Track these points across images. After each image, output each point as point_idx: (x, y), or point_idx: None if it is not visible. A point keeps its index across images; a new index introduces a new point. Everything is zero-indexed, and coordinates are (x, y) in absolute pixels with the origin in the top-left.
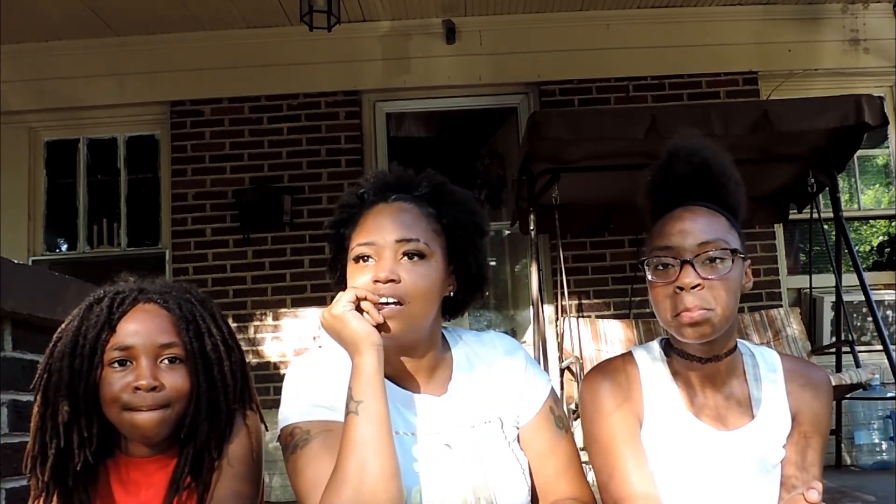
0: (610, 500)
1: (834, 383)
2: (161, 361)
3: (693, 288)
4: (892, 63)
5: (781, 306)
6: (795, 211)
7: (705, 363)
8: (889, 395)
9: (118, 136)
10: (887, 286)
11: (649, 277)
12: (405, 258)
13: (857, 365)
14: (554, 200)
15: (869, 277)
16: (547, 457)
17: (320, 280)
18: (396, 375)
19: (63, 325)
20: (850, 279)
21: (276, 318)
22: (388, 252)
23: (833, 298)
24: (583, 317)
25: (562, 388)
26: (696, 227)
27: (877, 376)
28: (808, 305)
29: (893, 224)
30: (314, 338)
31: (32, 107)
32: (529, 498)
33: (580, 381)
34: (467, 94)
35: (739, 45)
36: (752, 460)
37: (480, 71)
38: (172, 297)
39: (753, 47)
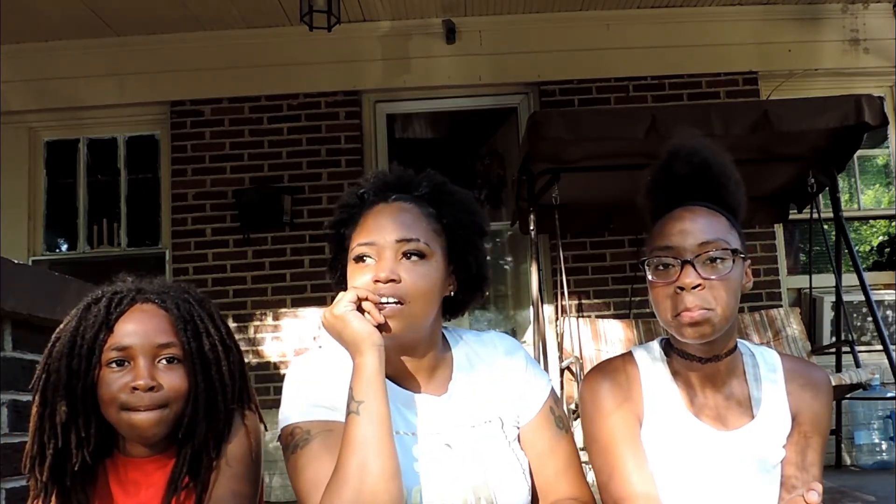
0: (610, 500)
1: (834, 383)
2: (159, 361)
3: (693, 288)
4: (892, 63)
5: (781, 306)
6: (795, 211)
7: (705, 363)
8: (889, 395)
9: (118, 136)
10: (887, 286)
11: (649, 277)
12: (405, 258)
13: (857, 365)
14: (554, 200)
15: (869, 277)
16: (547, 457)
17: (320, 280)
18: (397, 375)
19: (61, 326)
20: (850, 279)
21: (276, 318)
22: (388, 252)
23: (833, 298)
24: (583, 317)
25: (562, 388)
26: (697, 227)
27: (877, 376)
28: (808, 305)
29: (893, 224)
30: (314, 338)
31: (32, 107)
32: (530, 498)
33: (580, 381)
34: (467, 94)
35: (739, 45)
36: (752, 460)
37: (480, 71)
38: (170, 297)
39: (753, 47)
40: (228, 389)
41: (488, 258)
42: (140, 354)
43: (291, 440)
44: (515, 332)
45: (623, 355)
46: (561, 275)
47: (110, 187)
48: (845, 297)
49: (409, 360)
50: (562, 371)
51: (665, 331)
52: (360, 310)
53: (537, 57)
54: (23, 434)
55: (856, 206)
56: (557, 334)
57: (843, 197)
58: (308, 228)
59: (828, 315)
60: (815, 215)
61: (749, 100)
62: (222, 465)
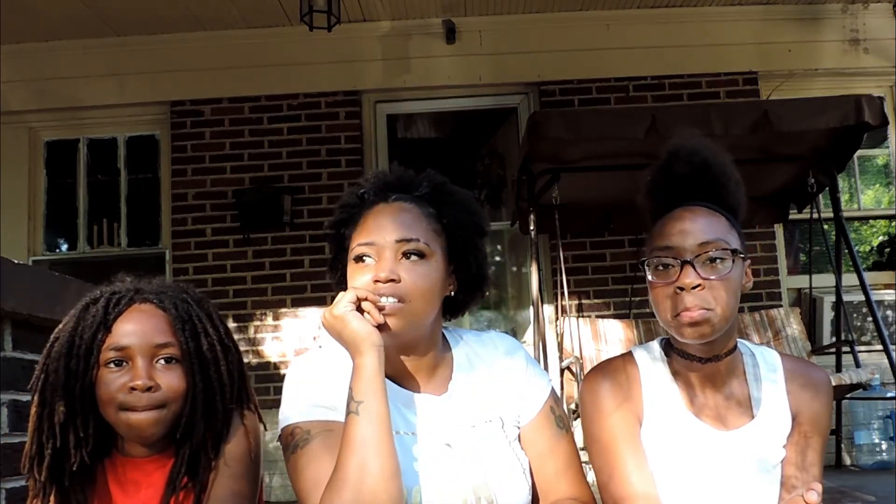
0: (610, 500)
1: (834, 383)
2: (157, 361)
3: (693, 288)
4: (892, 63)
5: (781, 306)
6: (795, 211)
7: (705, 363)
8: (889, 395)
9: (118, 136)
10: (887, 286)
11: (649, 278)
12: (405, 258)
13: (857, 365)
14: (554, 200)
15: (869, 277)
16: (547, 457)
17: (320, 280)
18: (397, 375)
19: (60, 326)
20: (850, 279)
21: (276, 318)
22: (388, 252)
23: (833, 298)
24: (583, 317)
25: (562, 388)
26: (697, 228)
27: (877, 376)
28: (808, 305)
29: (893, 224)
30: (314, 338)
31: (32, 107)
32: (530, 498)
33: (580, 381)
34: (467, 94)
35: (739, 45)
36: (752, 460)
37: (480, 71)
38: (168, 297)
39: (753, 47)
40: (227, 389)
41: (488, 258)
42: (138, 354)
43: (291, 440)
44: (515, 332)
45: (623, 355)
46: (561, 275)
47: (110, 187)
48: (845, 297)
49: (410, 359)
50: (562, 371)
51: (665, 331)
52: (360, 310)
53: (537, 57)
54: (23, 434)
55: (856, 206)
56: (557, 334)
57: (843, 197)
58: (308, 228)
59: (828, 315)
60: (815, 215)
61: (749, 100)
62: (221, 464)
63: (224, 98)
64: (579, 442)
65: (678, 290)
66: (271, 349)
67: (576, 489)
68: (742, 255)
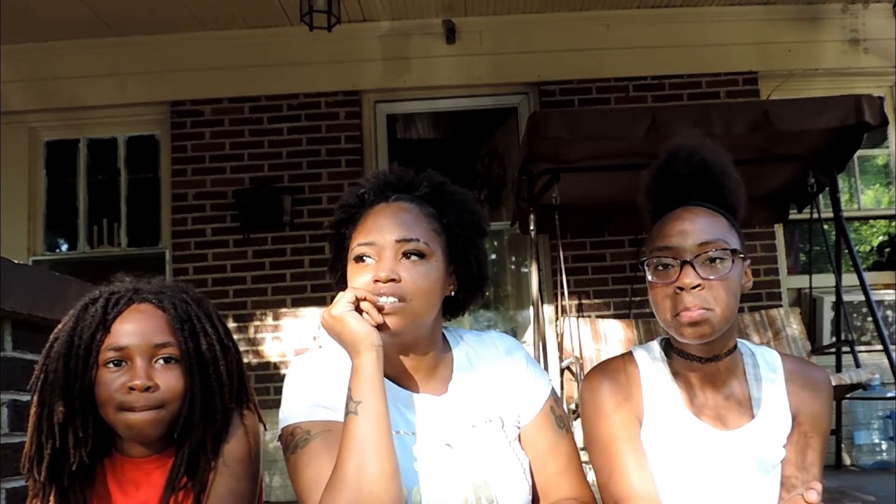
0: (610, 499)
1: (834, 383)
2: (156, 361)
3: (693, 288)
4: (892, 63)
5: (781, 306)
6: (795, 211)
7: (705, 363)
8: (889, 395)
9: (118, 136)
10: (887, 286)
11: (649, 278)
12: (405, 258)
13: (857, 365)
14: (554, 200)
15: (869, 277)
16: (548, 456)
17: (320, 280)
18: (397, 375)
19: (59, 326)
20: (850, 279)
21: (276, 318)
22: (388, 252)
23: (833, 298)
24: (583, 317)
25: (562, 388)
26: (696, 228)
27: (877, 376)
28: (808, 305)
29: (893, 224)
30: (314, 338)
31: (32, 107)
32: (530, 498)
33: (580, 381)
34: (467, 94)
35: (739, 45)
36: (752, 460)
37: (480, 71)
38: (167, 297)
39: (753, 47)
40: (226, 389)
41: (489, 258)
42: (137, 354)
43: (292, 440)
44: (515, 332)
45: (623, 355)
46: (561, 275)
47: (110, 187)
48: (845, 297)
49: (410, 359)
50: (562, 371)
51: (665, 331)
52: (359, 310)
53: (537, 57)
54: (23, 434)
55: (856, 206)
56: (557, 334)
57: (843, 197)
58: (308, 228)
59: (828, 315)
60: (815, 215)
61: (749, 100)
62: (221, 464)
63: (224, 98)
64: (579, 442)
65: (678, 290)
66: (271, 349)
67: (576, 489)
68: (742, 255)
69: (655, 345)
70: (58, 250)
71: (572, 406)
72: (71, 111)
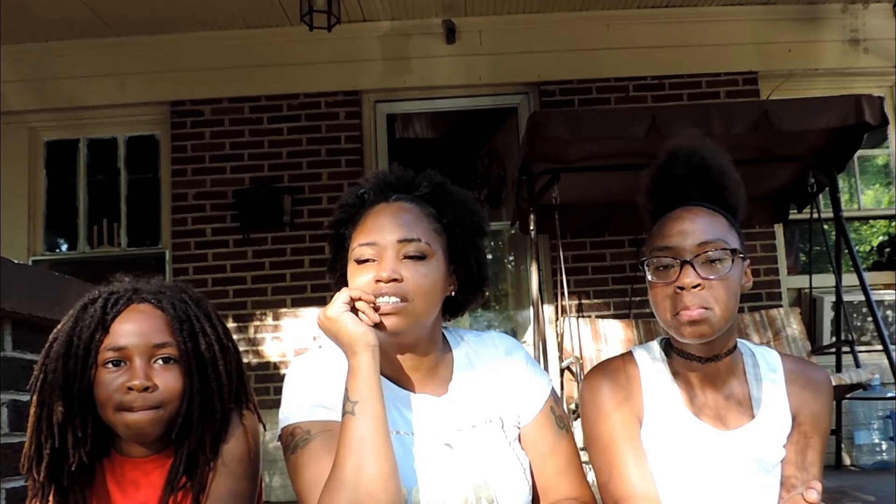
0: (610, 499)
1: (834, 383)
2: (155, 362)
3: (693, 288)
4: (892, 63)
5: (781, 306)
6: (795, 211)
7: (705, 363)
8: (889, 395)
9: (118, 136)
10: (887, 286)
11: (649, 278)
12: (407, 258)
13: (857, 365)
14: (554, 200)
15: (869, 277)
16: (548, 456)
17: (320, 280)
18: (397, 376)
19: (58, 326)
20: (850, 279)
21: (276, 318)
22: (389, 252)
23: (833, 298)
24: (583, 317)
25: (562, 388)
26: (696, 228)
27: (877, 376)
28: (808, 305)
29: (893, 224)
30: (314, 338)
31: (32, 107)
32: (530, 498)
33: (580, 381)
34: (467, 94)
35: (739, 45)
36: (752, 460)
37: (480, 71)
38: (166, 297)
39: (753, 47)
40: (225, 389)
41: (488, 258)
42: (136, 354)
43: (292, 440)
44: (515, 332)
45: (623, 355)
46: (561, 275)
47: (110, 187)
48: (845, 297)
49: (410, 360)
50: (562, 371)
51: (665, 331)
52: (355, 310)
53: (537, 57)
54: (23, 434)
55: (856, 206)
56: (557, 334)
57: (843, 197)
58: (308, 228)
59: (828, 315)
60: (815, 215)
61: (749, 100)
62: (220, 464)
63: (224, 98)
64: (579, 442)
65: (678, 290)
66: (271, 349)
67: (576, 489)
68: (742, 255)
69: (655, 345)
70: (58, 250)
71: (572, 406)
72: (71, 111)
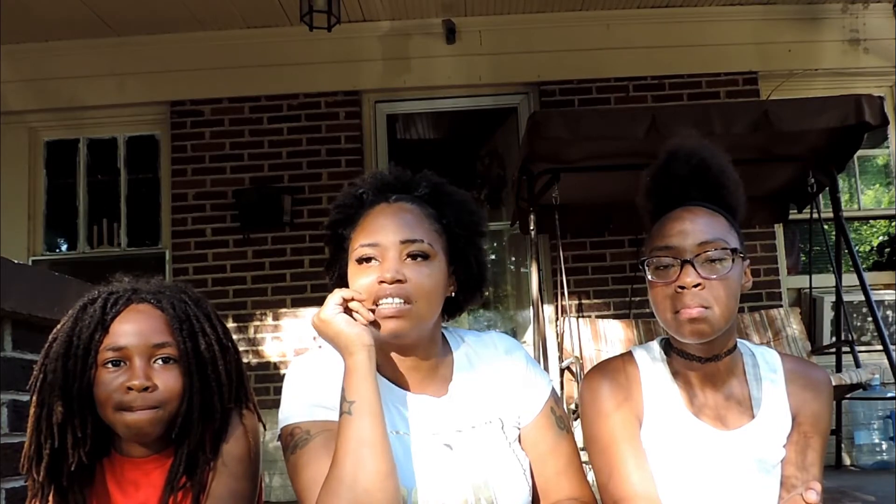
0: (610, 499)
1: (834, 383)
2: (154, 361)
3: (693, 287)
4: (892, 63)
5: (781, 306)
6: (795, 211)
7: (705, 363)
8: (889, 395)
9: (118, 136)
10: (887, 286)
11: (649, 277)
12: (410, 259)
13: (857, 365)
14: (554, 200)
15: (869, 277)
16: (548, 457)
17: (320, 280)
18: (397, 376)
19: (58, 326)
20: (850, 279)
21: (276, 318)
22: (392, 252)
23: (833, 298)
24: (583, 317)
25: (562, 388)
26: (696, 228)
27: (877, 376)
28: (808, 305)
29: (893, 224)
30: (314, 338)
31: (32, 107)
32: (531, 498)
33: (580, 381)
34: (467, 94)
35: (739, 45)
36: (752, 460)
37: (480, 71)
38: (166, 297)
39: (753, 47)
40: (225, 389)
41: (488, 258)
42: (136, 354)
43: (291, 440)
44: (515, 332)
45: (623, 355)
46: (561, 275)
47: (110, 187)
48: (845, 297)
49: (410, 361)
50: (562, 371)
51: (665, 331)
52: (349, 311)
53: (537, 57)
54: (23, 434)
55: (856, 206)
56: (557, 334)
57: (843, 197)
58: (308, 228)
59: (828, 315)
60: (815, 215)
61: (749, 100)
62: (220, 464)
63: (224, 98)
64: (579, 442)
65: (678, 290)
66: (271, 349)
67: (576, 489)
68: (741, 255)
69: (655, 345)
70: (58, 250)
71: (572, 406)
72: (71, 111)
